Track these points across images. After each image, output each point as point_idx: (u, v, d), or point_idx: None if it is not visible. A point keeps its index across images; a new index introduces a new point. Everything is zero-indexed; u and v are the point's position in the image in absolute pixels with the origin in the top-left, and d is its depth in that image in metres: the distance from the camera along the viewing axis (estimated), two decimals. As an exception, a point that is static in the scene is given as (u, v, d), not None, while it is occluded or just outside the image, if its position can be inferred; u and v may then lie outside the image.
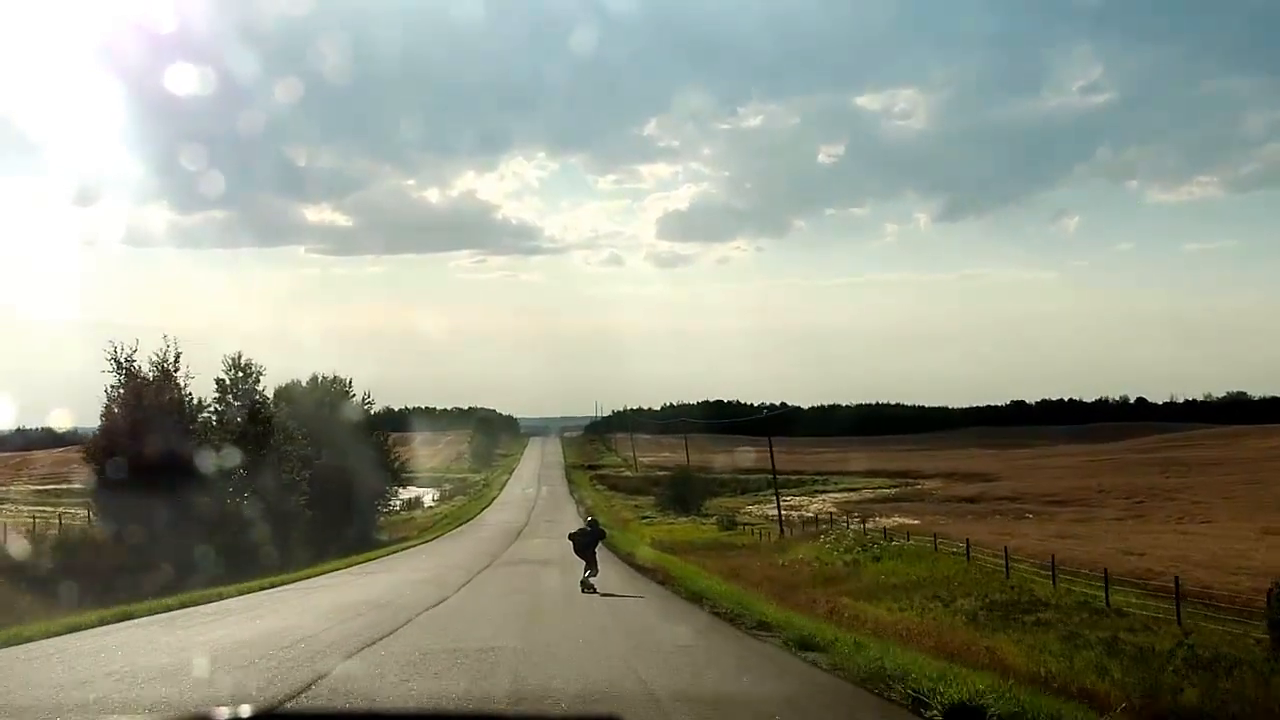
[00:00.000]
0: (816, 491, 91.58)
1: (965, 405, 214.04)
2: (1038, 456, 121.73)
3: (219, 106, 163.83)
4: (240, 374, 40.16)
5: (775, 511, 63.14)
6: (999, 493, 75.34)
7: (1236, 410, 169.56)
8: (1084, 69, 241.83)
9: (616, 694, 9.22)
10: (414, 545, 43.78)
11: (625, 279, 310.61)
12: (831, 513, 72.17)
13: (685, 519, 65.63)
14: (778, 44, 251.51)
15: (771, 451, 58.11)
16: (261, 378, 41.24)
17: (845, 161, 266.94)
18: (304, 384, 53.57)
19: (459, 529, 56.74)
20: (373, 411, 61.08)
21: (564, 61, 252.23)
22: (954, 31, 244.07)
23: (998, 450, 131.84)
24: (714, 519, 63.65)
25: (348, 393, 56.14)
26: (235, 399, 39.56)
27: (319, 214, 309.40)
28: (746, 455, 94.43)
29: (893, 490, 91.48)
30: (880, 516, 63.27)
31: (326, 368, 56.72)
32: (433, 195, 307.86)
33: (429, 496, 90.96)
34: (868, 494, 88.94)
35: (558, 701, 8.75)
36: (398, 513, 66.02)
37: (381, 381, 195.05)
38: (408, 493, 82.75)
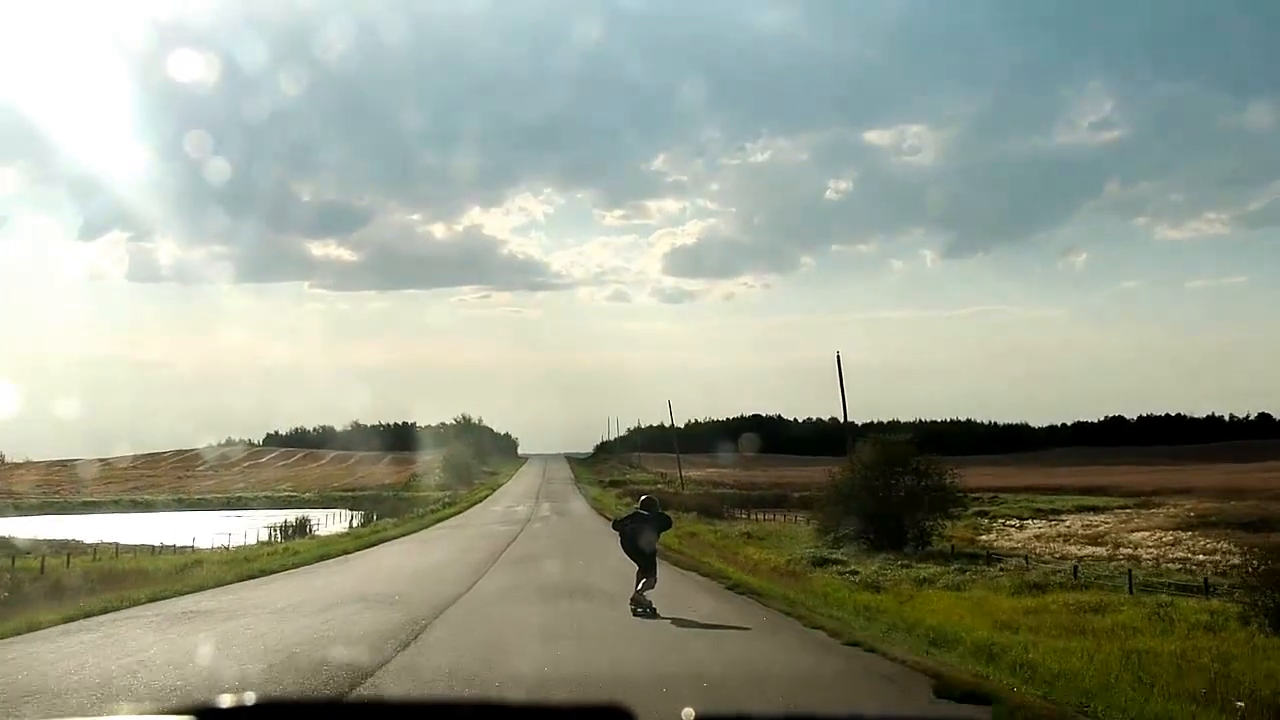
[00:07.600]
0: (1051, 513, 53.00)
1: (1049, 423, 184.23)
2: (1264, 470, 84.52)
3: (225, 142, 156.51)
4: None
5: (1028, 538, 25.10)
6: None
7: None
8: (1095, 105, 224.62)
9: None
10: None
11: (631, 315, 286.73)
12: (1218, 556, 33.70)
13: (916, 562, 26.33)
14: (787, 80, 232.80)
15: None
16: None
17: (852, 197, 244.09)
18: None
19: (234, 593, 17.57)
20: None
21: (573, 96, 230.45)
22: (964, 68, 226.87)
23: (1166, 467, 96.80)
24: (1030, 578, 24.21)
25: None
26: None
27: (324, 249, 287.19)
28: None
29: (1174, 509, 52.00)
30: None
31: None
32: (438, 230, 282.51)
33: (339, 520, 52.20)
34: (1160, 518, 49.53)
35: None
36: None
37: (376, 414, 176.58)
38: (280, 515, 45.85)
